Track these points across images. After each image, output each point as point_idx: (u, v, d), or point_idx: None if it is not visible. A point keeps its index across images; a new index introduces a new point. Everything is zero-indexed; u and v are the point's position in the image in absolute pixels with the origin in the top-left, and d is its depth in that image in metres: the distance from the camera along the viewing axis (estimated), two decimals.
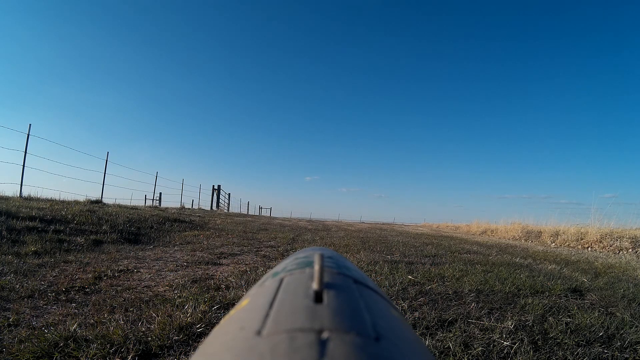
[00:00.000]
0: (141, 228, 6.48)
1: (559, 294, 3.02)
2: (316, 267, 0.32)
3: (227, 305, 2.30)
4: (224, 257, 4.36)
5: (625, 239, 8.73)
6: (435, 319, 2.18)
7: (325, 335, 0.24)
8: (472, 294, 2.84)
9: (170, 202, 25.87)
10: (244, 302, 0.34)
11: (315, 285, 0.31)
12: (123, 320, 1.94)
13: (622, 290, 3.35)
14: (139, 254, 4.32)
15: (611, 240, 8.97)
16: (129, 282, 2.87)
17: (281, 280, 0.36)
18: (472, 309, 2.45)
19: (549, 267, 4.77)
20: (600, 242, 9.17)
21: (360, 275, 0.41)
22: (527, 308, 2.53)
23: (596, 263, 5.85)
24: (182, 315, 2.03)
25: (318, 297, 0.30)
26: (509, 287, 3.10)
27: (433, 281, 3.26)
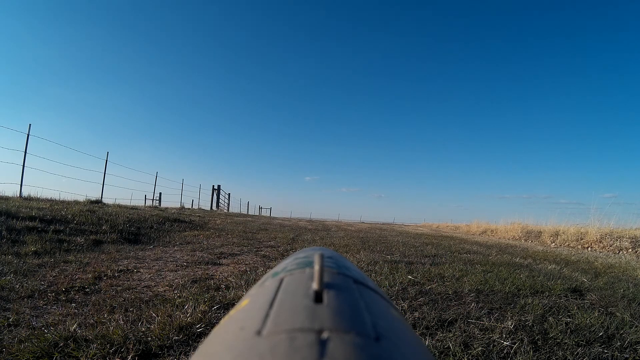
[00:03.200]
0: (141, 228, 6.48)
1: (559, 294, 3.02)
2: (316, 267, 0.32)
3: (227, 305, 2.30)
4: (224, 257, 4.36)
5: (625, 239, 8.74)
6: (435, 319, 2.18)
7: (325, 335, 0.24)
8: (472, 294, 2.84)
9: (170, 202, 25.86)
10: (244, 302, 0.34)
11: (315, 285, 0.31)
12: (123, 320, 1.94)
13: (622, 290, 3.35)
14: (139, 254, 4.32)
15: (611, 240, 8.98)
16: (128, 282, 2.87)
17: (281, 280, 0.35)
18: (472, 309, 2.45)
19: (549, 267, 4.77)
20: (600, 242, 9.17)
21: (360, 275, 0.41)
22: (527, 308, 2.53)
23: (596, 263, 5.85)
24: (182, 315, 2.03)
25: (318, 297, 0.30)
26: (509, 287, 3.10)
27: (433, 281, 3.26)
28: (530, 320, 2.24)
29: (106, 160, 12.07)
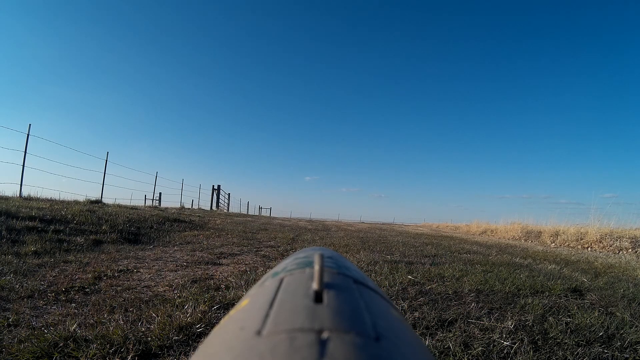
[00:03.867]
0: (141, 228, 6.47)
1: (559, 294, 3.01)
2: (316, 267, 0.32)
3: (227, 305, 2.30)
4: (224, 257, 4.36)
5: (625, 239, 8.73)
6: (435, 319, 2.18)
7: (325, 335, 0.24)
8: (472, 294, 2.84)
9: (170, 202, 25.88)
10: (244, 302, 0.34)
11: (315, 285, 0.31)
12: (123, 320, 1.94)
13: (621, 290, 3.35)
14: (139, 253, 4.32)
15: (611, 240, 8.97)
16: (128, 282, 2.87)
17: (281, 280, 0.36)
18: (472, 308, 2.44)
19: (549, 267, 4.77)
20: (600, 242, 9.16)
21: (360, 276, 0.41)
22: (527, 308, 2.52)
23: (596, 263, 5.84)
24: (181, 315, 2.03)
25: (318, 297, 0.30)
26: (509, 287, 3.10)
27: (433, 281, 3.25)
28: (531, 320, 2.24)
29: (106, 160, 12.07)
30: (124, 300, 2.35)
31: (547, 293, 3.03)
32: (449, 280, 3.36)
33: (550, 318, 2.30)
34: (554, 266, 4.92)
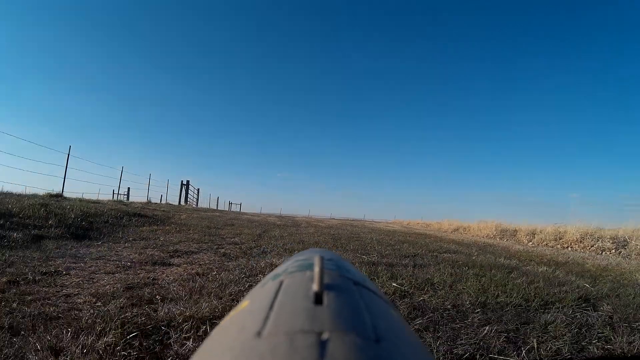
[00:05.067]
0: (94, 222, 5.99)
1: (571, 305, 2.56)
2: (316, 269, 0.31)
3: (149, 332, 1.67)
4: (177, 256, 3.89)
5: (606, 239, 8.59)
6: (446, 353, 1.62)
7: (325, 336, 0.24)
8: (477, 310, 2.30)
9: (140, 197, 24.86)
10: (244, 304, 0.34)
11: (315, 287, 0.31)
12: None
13: (631, 297, 2.98)
14: (81, 251, 3.89)
15: (592, 240, 8.83)
16: (46, 289, 2.39)
17: (281, 282, 0.35)
18: (486, 334, 1.88)
19: (540, 269, 4.41)
20: (581, 241, 9.02)
21: (361, 277, 0.41)
22: (549, 329, 2.01)
23: (587, 265, 5.55)
24: (76, 350, 1.41)
25: (318, 299, 0.29)
26: (515, 298, 2.61)
27: (423, 290, 2.73)
28: (565, 349, 1.73)
29: (68, 154, 11.56)
30: (22, 317, 1.79)
31: (557, 304, 2.57)
32: (440, 288, 2.85)
33: (585, 344, 1.80)
34: (545, 268, 4.56)
